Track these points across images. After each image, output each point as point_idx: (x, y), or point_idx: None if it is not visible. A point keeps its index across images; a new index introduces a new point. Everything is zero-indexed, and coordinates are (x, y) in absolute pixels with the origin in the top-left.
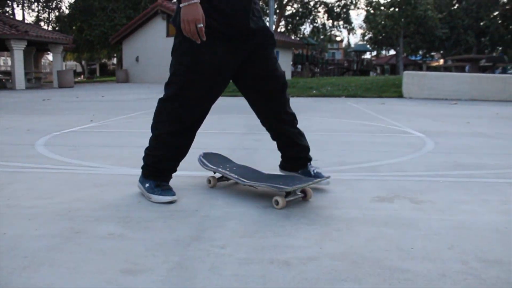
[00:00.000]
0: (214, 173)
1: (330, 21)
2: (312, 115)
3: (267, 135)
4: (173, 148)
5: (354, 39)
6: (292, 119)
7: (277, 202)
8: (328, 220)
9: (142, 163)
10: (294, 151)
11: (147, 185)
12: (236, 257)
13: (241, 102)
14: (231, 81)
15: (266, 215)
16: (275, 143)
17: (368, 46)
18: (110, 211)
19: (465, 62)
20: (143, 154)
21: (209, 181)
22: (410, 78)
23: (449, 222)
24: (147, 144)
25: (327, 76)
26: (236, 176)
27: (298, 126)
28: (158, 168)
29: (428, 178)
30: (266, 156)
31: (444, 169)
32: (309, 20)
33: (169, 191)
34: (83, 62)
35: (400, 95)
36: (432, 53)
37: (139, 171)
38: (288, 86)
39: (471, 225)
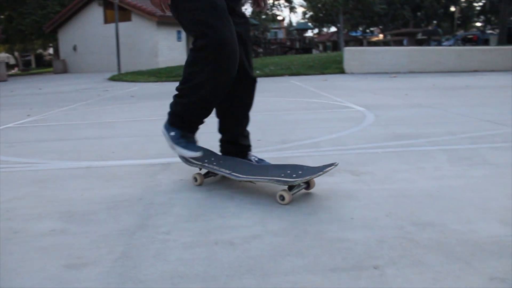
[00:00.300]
0: (200, 169)
1: (271, 0)
2: (256, 95)
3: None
4: (205, 99)
5: (296, 18)
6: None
7: (282, 198)
8: (270, 199)
9: (85, 155)
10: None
11: (172, 133)
12: (181, 241)
13: None
14: None
15: (210, 198)
16: (217, 124)
17: (310, 24)
18: (51, 207)
19: (403, 36)
20: (84, 146)
21: (195, 179)
22: (350, 54)
23: (388, 191)
24: (89, 136)
25: (270, 56)
26: (228, 172)
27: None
28: (185, 118)
29: (368, 150)
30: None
31: (383, 140)
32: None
33: (193, 144)
34: (16, 54)
35: (342, 71)
36: (372, 29)
37: (81, 164)
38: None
39: (408, 192)
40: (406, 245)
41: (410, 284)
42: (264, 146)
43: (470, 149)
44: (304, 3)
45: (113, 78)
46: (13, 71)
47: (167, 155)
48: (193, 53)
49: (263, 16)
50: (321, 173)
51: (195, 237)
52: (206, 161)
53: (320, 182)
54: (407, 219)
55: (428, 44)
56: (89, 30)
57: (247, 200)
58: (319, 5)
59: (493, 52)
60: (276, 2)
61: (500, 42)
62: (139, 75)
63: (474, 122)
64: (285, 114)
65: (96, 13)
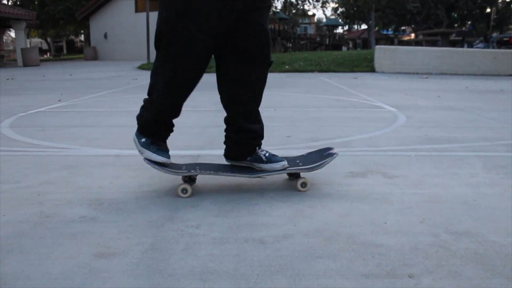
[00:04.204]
0: (184, 180)
1: None
2: (285, 90)
3: None
4: (165, 104)
5: (326, 14)
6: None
7: (305, 184)
8: (301, 197)
9: (114, 143)
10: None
11: (143, 140)
12: (211, 236)
13: (213, 79)
14: None
15: (240, 194)
16: (282, 119)
17: (340, 20)
18: (81, 193)
19: (436, 36)
20: (113, 134)
21: (184, 191)
22: (382, 53)
23: (421, 196)
24: (118, 124)
25: (299, 51)
26: (209, 171)
27: (271, 103)
28: (151, 123)
29: (400, 152)
30: None
31: (416, 143)
32: None
33: (163, 152)
34: (48, 39)
35: (372, 70)
36: (403, 27)
37: (110, 152)
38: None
39: (442, 198)
40: (442, 254)
41: None
42: (294, 143)
43: (507, 156)
44: None
45: (142, 67)
46: (45, 56)
47: (195, 147)
48: (154, 63)
49: (293, 11)
50: (329, 160)
51: (224, 233)
52: (183, 167)
53: (352, 184)
54: (442, 227)
55: (462, 46)
56: (120, 19)
57: (278, 198)
58: (351, 1)
59: None
60: None
61: None
62: None
63: (510, 129)
64: (314, 111)
65: (128, 2)
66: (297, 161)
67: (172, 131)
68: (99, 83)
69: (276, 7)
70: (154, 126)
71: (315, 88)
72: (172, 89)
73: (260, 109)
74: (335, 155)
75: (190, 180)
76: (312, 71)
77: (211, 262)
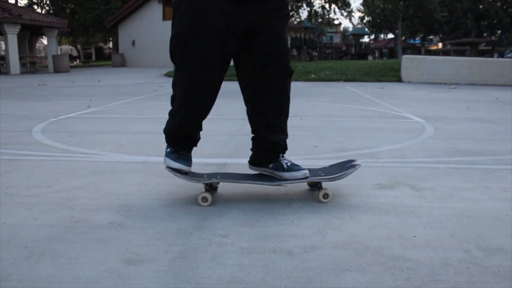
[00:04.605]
0: (206, 188)
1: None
2: (311, 100)
3: None
4: (184, 115)
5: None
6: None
7: (327, 196)
8: (329, 208)
9: (141, 150)
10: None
11: (168, 149)
12: (238, 246)
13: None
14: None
15: (267, 203)
16: (309, 128)
17: (367, 29)
18: (109, 199)
19: (464, 46)
20: (140, 141)
21: (204, 199)
22: (409, 62)
23: (450, 210)
24: (145, 130)
25: (325, 60)
26: (230, 180)
27: (297, 112)
28: (172, 135)
29: (428, 164)
30: None
31: (444, 155)
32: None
33: (183, 160)
34: (78, 46)
35: (399, 79)
36: (431, 37)
37: (138, 158)
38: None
39: (472, 212)
40: (473, 270)
41: None
42: (321, 153)
43: None
44: (362, 8)
45: (169, 74)
46: (75, 63)
47: (222, 155)
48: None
49: (319, 20)
50: (349, 172)
51: (252, 242)
52: (205, 176)
53: (380, 196)
54: (473, 242)
55: (492, 56)
56: (148, 26)
57: (306, 209)
58: (378, 10)
59: None
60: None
61: None
62: None
63: None
64: (341, 121)
65: (155, 9)
66: (319, 172)
67: (195, 144)
68: (127, 90)
69: (301, 17)
70: (176, 137)
71: (341, 98)
72: (189, 101)
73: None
74: (357, 166)
75: (211, 188)
76: (338, 80)
77: (239, 272)
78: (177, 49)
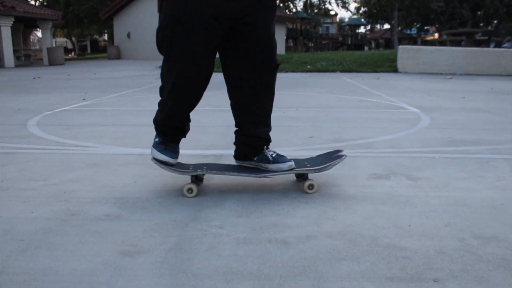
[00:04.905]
0: (192, 179)
1: None
2: (307, 90)
3: None
4: (172, 106)
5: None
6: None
7: (312, 186)
8: (325, 198)
9: (138, 142)
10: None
11: (156, 139)
12: (234, 237)
13: None
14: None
15: (263, 194)
16: (306, 119)
17: (363, 20)
18: (105, 192)
19: (460, 36)
20: (136, 133)
21: (190, 191)
22: (405, 53)
23: (446, 199)
24: (141, 123)
25: (321, 51)
26: (216, 171)
27: (293, 103)
28: (161, 125)
29: (423, 154)
30: None
31: (440, 145)
32: None
33: (170, 152)
34: (73, 39)
35: (395, 70)
36: (427, 27)
37: (134, 150)
38: (279, 66)
39: (467, 201)
40: (468, 259)
41: None
42: (317, 143)
43: None
44: None
45: None
46: (70, 55)
47: (219, 146)
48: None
49: (315, 11)
50: (336, 163)
51: (248, 233)
52: (191, 167)
53: (375, 185)
54: (468, 231)
55: (488, 46)
56: (143, 19)
57: (301, 199)
58: (374, 1)
59: None
60: None
61: None
62: None
63: None
64: (337, 112)
65: (151, 1)
66: (305, 162)
67: (184, 135)
68: (122, 82)
69: (296, 7)
70: (164, 127)
71: (338, 88)
72: (177, 92)
73: (283, 109)
74: (343, 157)
75: (197, 180)
76: (334, 71)
77: (235, 262)
78: (164, 40)
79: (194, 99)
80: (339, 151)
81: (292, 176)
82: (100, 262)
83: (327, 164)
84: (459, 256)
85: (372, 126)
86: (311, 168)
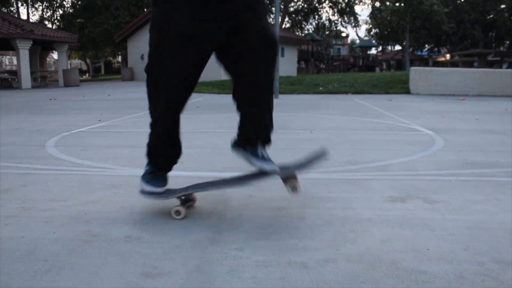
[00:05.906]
0: (180, 202)
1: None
2: (320, 112)
3: (276, 134)
4: (156, 135)
5: (360, 34)
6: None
7: (295, 189)
8: (342, 221)
9: None
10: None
11: (146, 167)
12: (254, 259)
13: None
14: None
15: (280, 217)
16: (283, 141)
17: (374, 41)
18: (125, 213)
19: (472, 57)
20: None
21: (177, 213)
22: (417, 74)
23: (463, 222)
24: None
25: (332, 72)
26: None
27: (307, 125)
28: (149, 154)
29: (439, 177)
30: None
31: (455, 167)
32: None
33: (156, 181)
34: (88, 60)
35: (407, 91)
36: (438, 48)
37: None
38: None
39: (485, 225)
40: (489, 283)
41: None
42: (332, 166)
43: None
44: (369, 20)
45: None
46: (84, 77)
47: (235, 168)
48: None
49: (326, 32)
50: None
51: (267, 255)
52: (178, 191)
53: (392, 208)
54: (488, 255)
55: (500, 66)
56: None
57: (319, 222)
58: (386, 22)
59: None
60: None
61: None
62: (204, 86)
63: None
64: (351, 133)
65: None
66: (289, 165)
67: (174, 162)
68: (136, 104)
69: (308, 30)
70: (154, 156)
71: (351, 110)
72: (155, 125)
73: (296, 131)
74: (325, 156)
75: (186, 201)
76: (346, 92)
77: (255, 285)
78: (152, 58)
79: (175, 120)
80: (323, 150)
81: (309, 198)
82: (123, 283)
83: (307, 164)
84: (479, 280)
85: (386, 148)
86: (291, 169)
